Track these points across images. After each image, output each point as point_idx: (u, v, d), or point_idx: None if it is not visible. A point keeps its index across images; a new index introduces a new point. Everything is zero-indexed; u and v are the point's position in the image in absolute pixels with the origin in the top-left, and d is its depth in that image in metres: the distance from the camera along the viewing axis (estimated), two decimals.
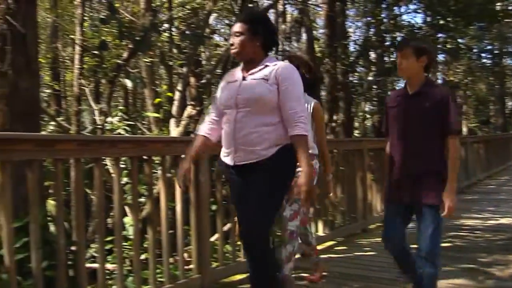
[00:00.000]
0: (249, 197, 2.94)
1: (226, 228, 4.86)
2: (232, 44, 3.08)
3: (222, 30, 15.21)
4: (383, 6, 14.77)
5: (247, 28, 3.02)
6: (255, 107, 2.92)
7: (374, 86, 15.31)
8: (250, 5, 9.29)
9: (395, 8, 15.02)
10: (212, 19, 9.21)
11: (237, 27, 3.06)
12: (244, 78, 3.05)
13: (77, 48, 8.79)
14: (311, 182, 2.90)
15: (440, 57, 20.04)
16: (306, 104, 3.79)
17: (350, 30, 16.87)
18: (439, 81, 22.45)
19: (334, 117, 13.57)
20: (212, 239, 4.84)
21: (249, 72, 3.04)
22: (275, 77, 2.94)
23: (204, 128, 3.23)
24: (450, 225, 7.04)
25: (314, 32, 15.73)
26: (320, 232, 5.92)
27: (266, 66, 3.01)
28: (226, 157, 3.05)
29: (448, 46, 15.35)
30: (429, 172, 3.12)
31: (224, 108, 3.06)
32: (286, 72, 2.98)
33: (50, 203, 5.80)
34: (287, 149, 2.94)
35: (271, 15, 14.60)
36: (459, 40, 15.88)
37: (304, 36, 15.13)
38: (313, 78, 4.13)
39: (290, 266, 3.95)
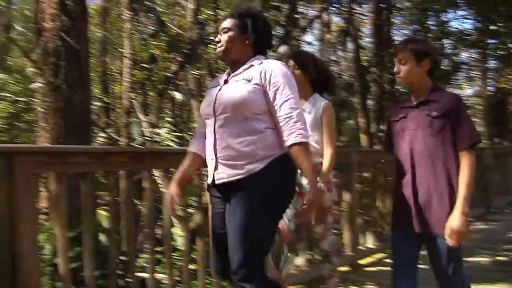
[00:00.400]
0: (234, 225, 2.46)
1: None
2: (218, 42, 2.70)
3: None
4: (430, 13, 14.57)
5: (236, 24, 2.65)
6: (236, 114, 2.49)
7: None
8: (296, 16, 9.32)
9: (442, 14, 14.78)
10: None
11: (225, 22, 2.69)
12: (226, 82, 2.66)
13: (126, 61, 8.99)
14: (320, 195, 2.51)
15: (491, 64, 19.59)
16: (315, 105, 3.56)
17: (396, 38, 16.68)
18: (490, 88, 21.92)
19: (381, 127, 13.41)
20: None
21: (232, 75, 2.66)
22: (260, 77, 2.52)
23: (193, 144, 2.81)
24: (507, 238, 6.83)
25: (360, 41, 15.63)
26: (370, 244, 5.84)
27: (251, 66, 2.61)
28: (208, 174, 2.64)
29: (499, 52, 14.98)
30: (442, 194, 2.62)
31: (205, 118, 2.66)
32: (275, 70, 2.54)
33: (101, 213, 5.93)
34: (280, 161, 2.51)
35: (317, 25, 14.61)
36: (510, 46, 15.49)
37: (350, 45, 15.05)
38: (323, 76, 3.70)
39: (333, 281, 3.81)
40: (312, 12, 12.46)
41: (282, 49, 7.87)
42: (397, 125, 2.86)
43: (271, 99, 2.51)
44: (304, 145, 2.45)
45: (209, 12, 10.89)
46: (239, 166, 2.48)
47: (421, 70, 2.73)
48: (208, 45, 8.98)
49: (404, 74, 2.74)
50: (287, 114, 2.47)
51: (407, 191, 2.72)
